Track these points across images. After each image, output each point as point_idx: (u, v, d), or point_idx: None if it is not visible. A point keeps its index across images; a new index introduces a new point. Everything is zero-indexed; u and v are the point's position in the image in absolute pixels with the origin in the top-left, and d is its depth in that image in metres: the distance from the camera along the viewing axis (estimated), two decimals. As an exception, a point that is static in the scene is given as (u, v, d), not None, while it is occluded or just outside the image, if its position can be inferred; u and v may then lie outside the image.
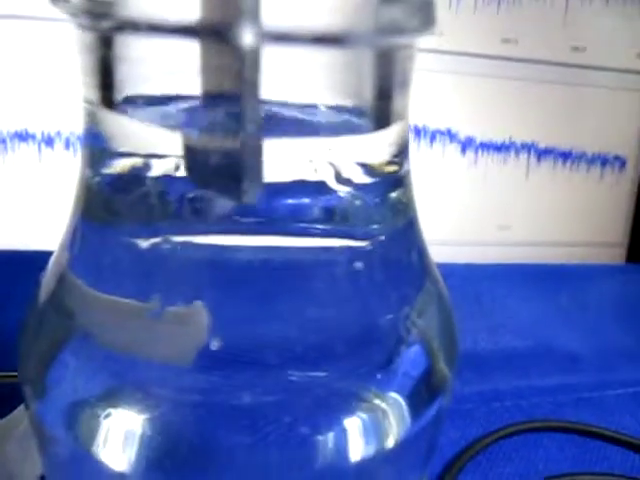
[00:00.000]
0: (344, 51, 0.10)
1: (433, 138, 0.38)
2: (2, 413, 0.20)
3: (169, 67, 0.09)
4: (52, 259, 0.13)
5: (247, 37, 0.08)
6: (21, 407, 0.20)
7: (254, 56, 0.08)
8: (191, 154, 0.10)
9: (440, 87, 0.37)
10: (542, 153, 0.40)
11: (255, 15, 0.08)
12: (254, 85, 0.08)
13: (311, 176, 0.10)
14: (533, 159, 0.40)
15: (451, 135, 0.38)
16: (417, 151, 0.38)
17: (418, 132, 0.38)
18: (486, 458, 0.25)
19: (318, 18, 0.09)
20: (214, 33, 0.08)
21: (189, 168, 0.10)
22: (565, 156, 0.40)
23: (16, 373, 0.12)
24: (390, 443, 0.11)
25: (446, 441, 0.25)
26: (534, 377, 0.30)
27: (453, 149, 0.39)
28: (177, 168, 0.10)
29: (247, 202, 0.09)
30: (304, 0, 0.08)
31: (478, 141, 0.39)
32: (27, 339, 0.12)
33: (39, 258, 0.14)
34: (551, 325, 0.34)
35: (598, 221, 0.42)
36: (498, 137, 0.39)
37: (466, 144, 0.39)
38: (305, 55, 0.09)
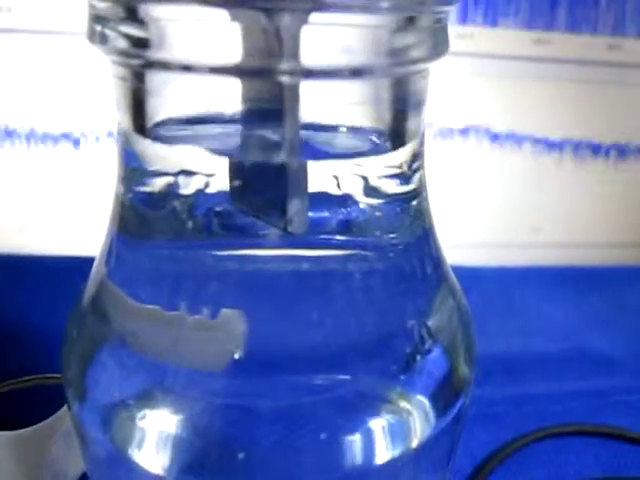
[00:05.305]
0: (362, 81, 0.10)
1: (465, 140, 0.38)
2: (48, 413, 0.21)
3: (198, 100, 0.10)
4: (93, 268, 0.13)
5: (289, 74, 0.09)
6: (65, 407, 0.20)
7: (294, 90, 0.09)
8: (237, 180, 0.10)
9: (473, 89, 0.37)
10: (576, 154, 0.39)
11: (296, 54, 0.09)
12: (294, 115, 0.09)
13: (334, 190, 0.11)
14: (567, 160, 0.39)
15: (483, 137, 0.38)
16: (449, 154, 0.38)
17: (451, 134, 0.38)
18: (516, 462, 0.25)
19: (340, 54, 0.09)
20: (255, 71, 0.09)
21: (235, 196, 0.10)
22: (599, 156, 0.40)
23: (60, 375, 0.13)
24: (415, 443, 0.12)
25: (477, 444, 0.25)
26: (567, 381, 0.30)
27: (485, 151, 0.38)
28: (206, 185, 0.11)
29: (293, 232, 0.10)
30: (326, 39, 0.09)
31: (511, 143, 0.39)
32: (69, 343, 0.13)
33: (83, 264, 0.14)
34: (585, 328, 0.33)
35: (632, 222, 0.42)
36: (531, 139, 0.39)
37: (499, 146, 0.38)
38: (327, 86, 0.10)
